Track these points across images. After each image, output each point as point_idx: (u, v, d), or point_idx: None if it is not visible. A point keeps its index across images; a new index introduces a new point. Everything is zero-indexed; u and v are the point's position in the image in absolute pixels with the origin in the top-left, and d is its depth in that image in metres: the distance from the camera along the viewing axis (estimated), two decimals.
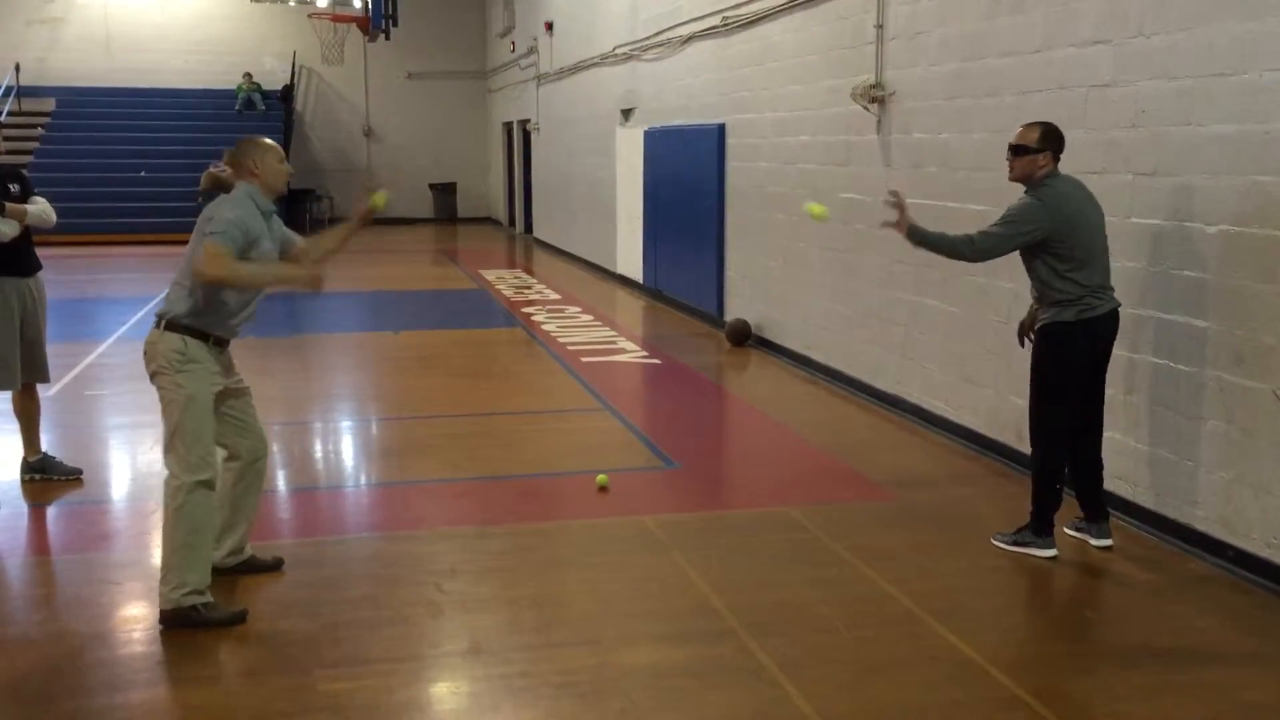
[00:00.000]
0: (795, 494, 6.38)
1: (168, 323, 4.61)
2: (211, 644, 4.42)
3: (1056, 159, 5.23)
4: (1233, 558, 5.17)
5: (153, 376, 4.64)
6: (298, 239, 5.08)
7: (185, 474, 4.54)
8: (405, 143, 28.58)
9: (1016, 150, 5.26)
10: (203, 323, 4.61)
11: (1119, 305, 5.27)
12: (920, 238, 5.36)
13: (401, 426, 8.12)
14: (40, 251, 6.56)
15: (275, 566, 5.15)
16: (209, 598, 4.57)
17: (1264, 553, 5.02)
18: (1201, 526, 5.37)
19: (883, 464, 6.97)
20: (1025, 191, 5.24)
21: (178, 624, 4.50)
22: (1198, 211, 5.33)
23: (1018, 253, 5.27)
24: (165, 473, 4.62)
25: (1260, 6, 4.95)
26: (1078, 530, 5.57)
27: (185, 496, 4.53)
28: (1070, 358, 5.23)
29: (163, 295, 4.83)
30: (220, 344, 4.71)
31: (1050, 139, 5.22)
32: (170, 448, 4.60)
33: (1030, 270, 5.27)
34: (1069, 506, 5.61)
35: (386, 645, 4.41)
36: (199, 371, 4.59)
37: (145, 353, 4.66)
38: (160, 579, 4.57)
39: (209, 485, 4.61)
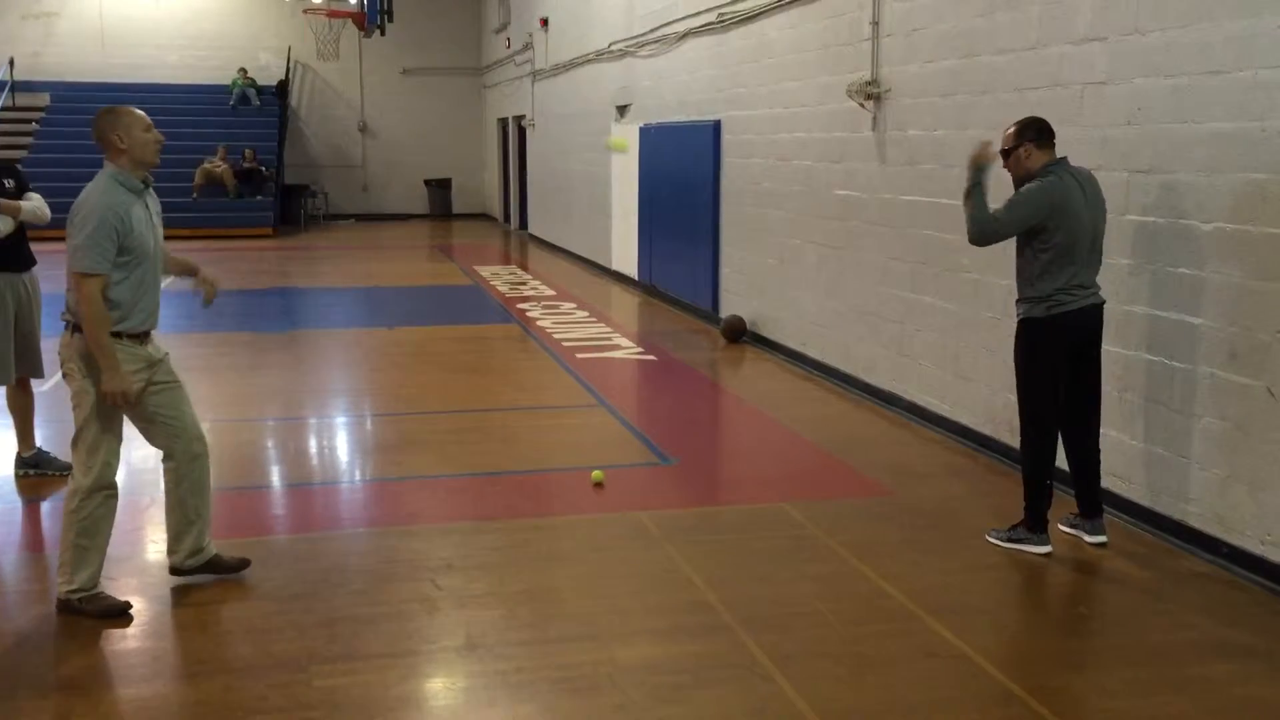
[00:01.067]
0: (790, 490, 6.38)
1: (74, 327, 4.54)
2: (207, 640, 4.43)
3: (1043, 146, 5.24)
4: (1227, 554, 5.19)
5: (64, 376, 4.63)
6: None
7: (83, 478, 4.56)
8: (401, 139, 28.56)
9: (1004, 154, 5.32)
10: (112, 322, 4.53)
11: (1101, 302, 5.27)
12: (973, 184, 5.29)
13: (396, 422, 8.12)
14: (35, 247, 6.56)
15: (240, 567, 5.04)
16: (94, 591, 4.62)
17: (1258, 549, 5.03)
18: (1196, 523, 5.38)
19: (878, 460, 6.97)
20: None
21: (66, 611, 4.60)
22: (1192, 209, 5.34)
23: (1014, 243, 5.29)
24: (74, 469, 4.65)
25: (1256, 4, 4.96)
26: (1072, 527, 5.58)
27: (79, 501, 4.56)
28: (1042, 354, 5.25)
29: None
30: (135, 338, 4.61)
31: (1025, 130, 5.25)
32: (74, 449, 4.62)
33: (1018, 255, 5.29)
34: (1065, 503, 5.63)
35: (382, 641, 4.41)
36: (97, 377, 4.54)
37: (59, 353, 4.62)
38: (58, 569, 4.65)
39: (107, 493, 4.61)
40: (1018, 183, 5.33)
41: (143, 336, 4.67)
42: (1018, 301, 5.32)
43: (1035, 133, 5.25)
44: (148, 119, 4.65)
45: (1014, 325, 5.42)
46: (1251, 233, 5.01)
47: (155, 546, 5.49)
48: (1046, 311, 5.17)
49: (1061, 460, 5.48)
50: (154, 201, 4.78)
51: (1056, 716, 3.83)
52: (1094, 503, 5.50)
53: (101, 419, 4.56)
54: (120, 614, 4.60)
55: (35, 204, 6.36)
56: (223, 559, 5.04)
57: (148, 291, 4.66)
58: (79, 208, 4.50)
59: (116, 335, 4.53)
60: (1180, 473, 5.47)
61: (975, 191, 5.29)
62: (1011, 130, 5.29)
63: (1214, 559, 5.24)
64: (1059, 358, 5.25)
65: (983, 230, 5.25)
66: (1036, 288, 5.18)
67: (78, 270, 4.42)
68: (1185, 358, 5.41)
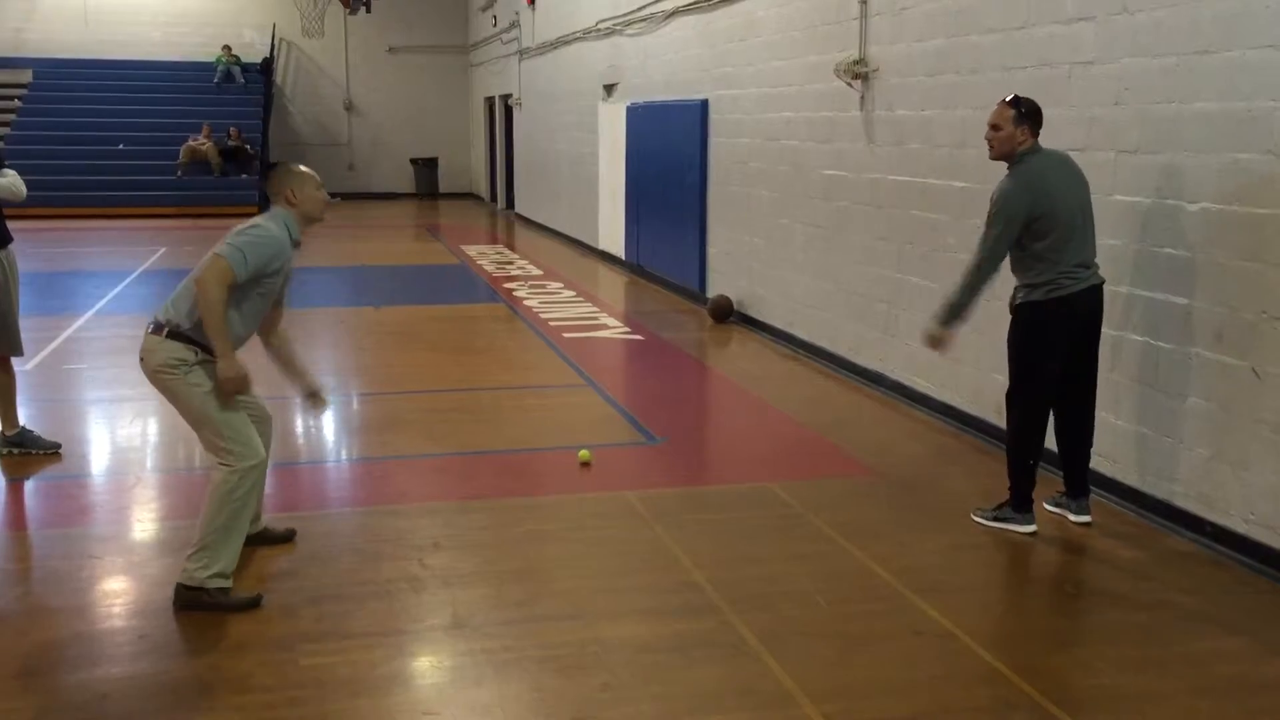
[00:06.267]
0: (777, 470, 6.39)
1: (171, 331, 4.45)
2: (193, 618, 4.40)
3: (1036, 133, 5.22)
4: (1211, 534, 5.21)
5: (153, 375, 4.48)
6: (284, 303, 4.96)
7: (238, 461, 4.45)
8: (386, 117, 28.41)
9: (995, 128, 5.25)
10: (207, 340, 4.45)
11: (1101, 282, 5.27)
12: (954, 315, 5.34)
13: (383, 402, 8.10)
14: (19, 224, 6.51)
15: (288, 538, 5.18)
16: (230, 583, 4.51)
17: (1242, 528, 5.05)
18: (1180, 503, 5.41)
19: (865, 440, 6.99)
20: (1008, 171, 5.24)
21: (191, 605, 4.44)
22: (1180, 189, 5.34)
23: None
24: (213, 461, 4.54)
25: None
26: (1058, 506, 5.60)
27: (237, 482, 4.45)
28: (1041, 338, 5.23)
29: (170, 300, 4.59)
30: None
31: (1031, 116, 5.20)
32: (210, 444, 4.51)
33: (1011, 248, 5.27)
34: (1050, 482, 5.64)
35: (369, 620, 4.40)
36: (208, 368, 4.46)
37: (142, 358, 4.51)
38: (189, 555, 4.49)
39: (260, 467, 4.54)
40: (997, 157, 5.29)
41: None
42: (1016, 287, 5.31)
43: (1037, 118, 5.20)
44: (319, 179, 4.79)
45: (1001, 306, 5.42)
46: (1238, 213, 5.01)
47: (141, 526, 5.48)
48: (1047, 294, 5.14)
49: (1049, 439, 5.49)
50: (292, 263, 4.76)
51: (1042, 695, 3.85)
52: (1082, 483, 5.51)
53: (219, 404, 4.47)
54: (257, 605, 4.51)
55: (10, 180, 6.30)
56: (271, 531, 5.17)
57: (253, 323, 4.68)
58: (249, 226, 4.56)
59: (211, 354, 4.47)
60: (1165, 452, 5.49)
61: (957, 309, 5.34)
62: (1011, 112, 5.18)
63: (1198, 538, 5.27)
64: (1059, 342, 5.23)
65: (984, 270, 5.23)
66: (1035, 273, 5.15)
67: (221, 254, 4.37)
68: (1171, 338, 5.42)
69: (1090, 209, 5.26)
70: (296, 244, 4.71)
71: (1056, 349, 5.24)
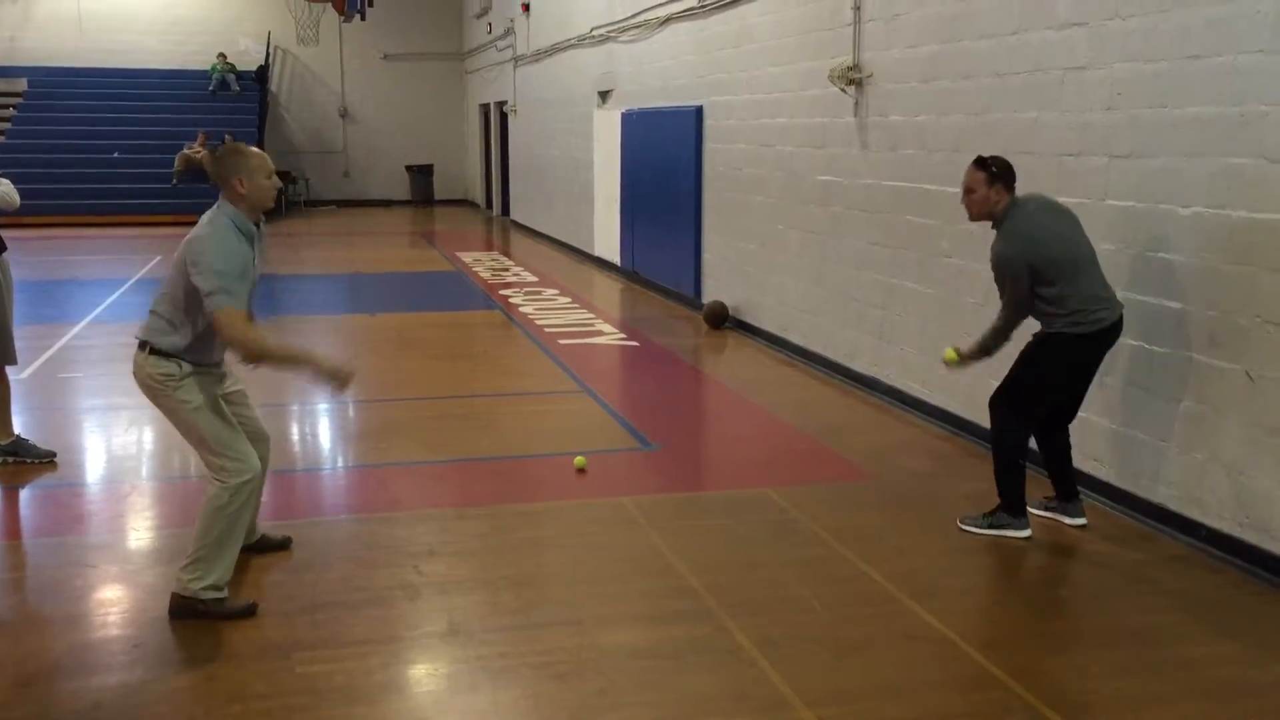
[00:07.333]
0: (773, 475, 6.39)
1: (153, 348, 4.43)
2: (188, 627, 4.40)
3: (1010, 189, 5.18)
4: (1205, 537, 5.22)
5: (145, 389, 4.50)
6: None
7: (231, 478, 4.43)
8: (382, 124, 28.44)
9: (969, 190, 5.22)
10: (189, 355, 4.44)
11: (1120, 312, 5.22)
12: (982, 355, 5.44)
13: (378, 409, 8.10)
14: (13, 233, 6.50)
15: (285, 545, 5.17)
16: (224, 594, 4.50)
17: (1236, 532, 5.06)
18: (1175, 506, 5.42)
19: (860, 445, 6.99)
20: (993, 229, 5.22)
21: (185, 613, 4.44)
22: (1172, 193, 5.36)
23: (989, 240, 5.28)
24: (208, 474, 4.53)
25: None
26: (1047, 510, 5.60)
27: (229, 499, 4.43)
28: (1059, 366, 5.23)
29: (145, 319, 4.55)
30: (211, 366, 4.56)
31: (1003, 176, 5.16)
32: (206, 461, 4.51)
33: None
34: (1040, 484, 5.65)
35: (364, 627, 4.40)
36: (196, 382, 4.46)
37: (135, 376, 4.50)
38: (182, 565, 4.48)
39: (254, 482, 4.52)
40: (976, 218, 5.29)
41: (218, 364, 4.62)
42: (1042, 316, 5.26)
43: (1010, 179, 5.17)
44: (270, 164, 4.54)
45: (993, 311, 5.42)
46: (1231, 217, 5.03)
47: (136, 534, 5.48)
48: (1071, 326, 5.11)
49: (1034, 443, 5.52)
50: (261, 239, 4.63)
51: (1037, 699, 3.86)
52: (1071, 486, 5.53)
53: (218, 416, 4.48)
54: (252, 613, 4.49)
55: (4, 189, 6.29)
56: (269, 538, 5.16)
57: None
58: (201, 250, 4.32)
59: (197, 364, 4.46)
60: (1160, 456, 5.50)
61: (990, 352, 5.41)
62: (982, 174, 5.14)
63: (1192, 541, 5.27)
64: (1074, 373, 5.27)
65: (1017, 320, 5.24)
66: (1054, 308, 5.11)
67: (217, 306, 4.26)
68: (1164, 342, 5.44)
69: (1088, 243, 5.22)
70: (253, 236, 4.51)
71: (1068, 379, 5.28)
